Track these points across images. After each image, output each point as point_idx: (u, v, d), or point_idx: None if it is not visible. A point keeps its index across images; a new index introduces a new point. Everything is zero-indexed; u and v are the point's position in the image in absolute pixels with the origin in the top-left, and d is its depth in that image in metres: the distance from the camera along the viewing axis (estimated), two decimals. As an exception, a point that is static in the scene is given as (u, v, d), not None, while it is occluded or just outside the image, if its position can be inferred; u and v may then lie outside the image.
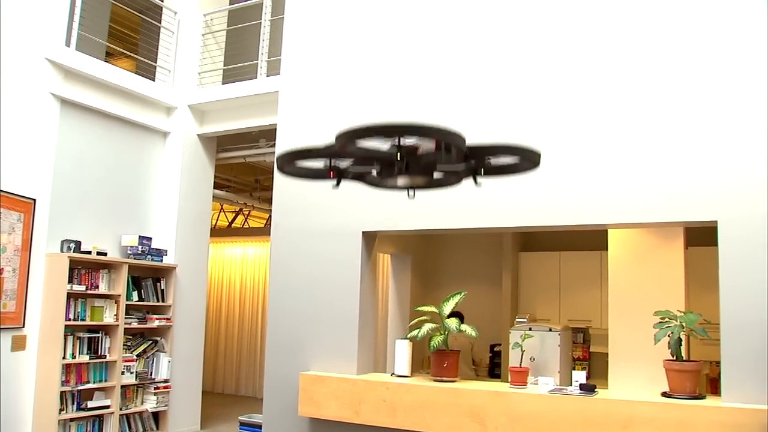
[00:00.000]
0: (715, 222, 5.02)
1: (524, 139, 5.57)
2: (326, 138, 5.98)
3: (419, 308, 6.04)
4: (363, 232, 6.19)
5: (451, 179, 3.12)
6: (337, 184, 2.98)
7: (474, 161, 2.86)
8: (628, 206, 5.29)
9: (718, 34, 5.17)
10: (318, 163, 3.00)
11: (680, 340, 5.13)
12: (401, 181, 2.89)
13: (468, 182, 5.70)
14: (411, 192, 2.96)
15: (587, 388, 5.26)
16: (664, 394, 5.11)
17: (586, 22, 5.65)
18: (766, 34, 4.97)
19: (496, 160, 2.96)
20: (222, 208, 13.09)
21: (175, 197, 8.77)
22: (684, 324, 5.07)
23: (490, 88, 5.93)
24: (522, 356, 5.68)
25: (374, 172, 2.92)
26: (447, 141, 2.61)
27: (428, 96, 6.14)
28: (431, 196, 5.87)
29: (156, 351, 8.40)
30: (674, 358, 5.12)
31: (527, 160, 2.95)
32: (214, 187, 9.59)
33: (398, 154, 2.65)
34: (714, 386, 7.03)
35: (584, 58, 5.60)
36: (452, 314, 5.77)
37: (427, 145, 2.69)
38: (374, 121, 2.54)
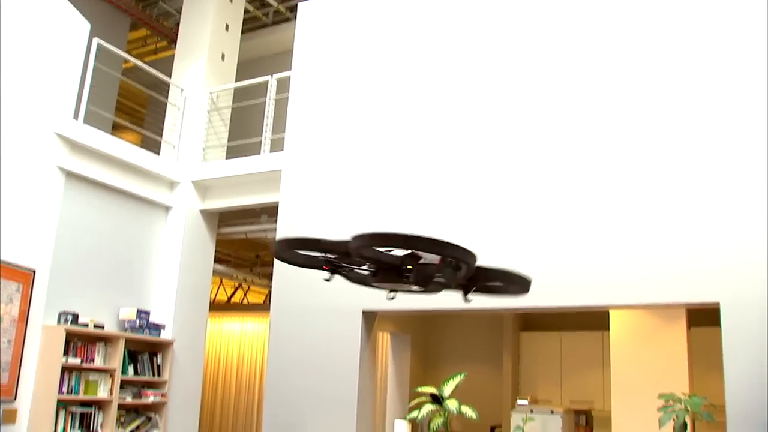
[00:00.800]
0: (718, 303, 4.99)
1: (527, 219, 5.62)
2: (326, 217, 6.04)
3: (419, 389, 5.95)
4: (363, 311, 6.16)
5: (438, 288, 3.06)
6: (329, 278, 2.92)
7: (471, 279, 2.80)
8: (629, 287, 5.27)
9: (715, 103, 5.25)
10: (314, 253, 2.94)
11: (685, 424, 5.03)
12: (395, 285, 2.82)
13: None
14: (392, 293, 2.92)
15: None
16: (670, 481, 4.99)
17: (582, 95, 5.75)
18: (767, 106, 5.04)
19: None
20: (221, 283, 13.05)
21: (175, 271, 8.74)
22: (689, 407, 4.99)
23: (492, 173, 5.98)
24: (524, 439, 5.58)
25: (368, 272, 2.84)
26: (463, 261, 2.62)
27: (431, 183, 6.20)
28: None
29: (150, 427, 8.21)
30: (679, 442, 5.02)
31: (520, 286, 2.92)
32: (215, 262, 9.57)
33: (407, 265, 2.58)
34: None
35: (585, 138, 5.68)
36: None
37: (432, 257, 2.65)
38: (391, 229, 2.51)
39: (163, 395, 8.29)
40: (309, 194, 6.75)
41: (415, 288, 2.74)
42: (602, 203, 5.51)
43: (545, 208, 5.68)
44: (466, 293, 2.73)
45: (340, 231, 6.17)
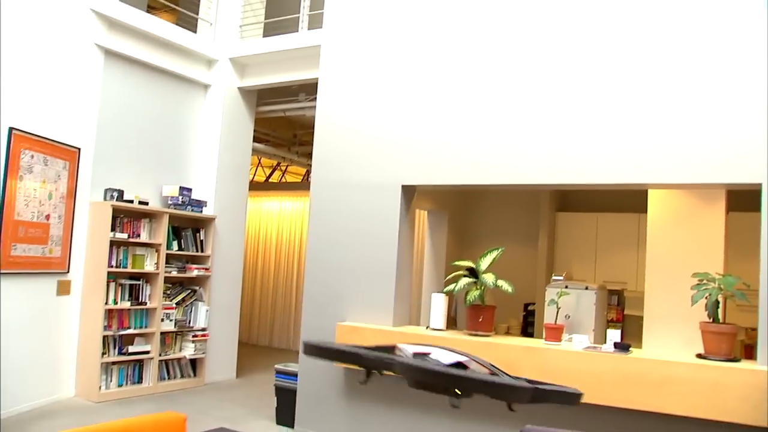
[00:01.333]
0: (760, 185, 4.95)
1: (569, 95, 5.56)
2: (365, 95, 6.00)
3: (456, 262, 6.09)
4: (402, 186, 6.23)
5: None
6: (364, 381, 2.77)
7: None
8: (669, 166, 5.24)
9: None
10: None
11: (718, 302, 5.11)
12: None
13: (505, 137, 5.68)
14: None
15: (622, 347, 5.28)
16: (699, 356, 5.12)
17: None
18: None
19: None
20: (260, 162, 13.20)
21: (215, 149, 8.86)
22: (722, 286, 5.05)
23: (525, 55, 5.87)
24: (557, 313, 5.71)
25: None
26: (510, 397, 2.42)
27: (469, 68, 6.11)
28: (470, 152, 5.91)
29: (194, 300, 8.57)
30: (711, 320, 5.12)
31: (568, 401, 2.71)
32: (254, 141, 9.66)
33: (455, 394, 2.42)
34: (749, 353, 6.99)
35: (623, 16, 5.51)
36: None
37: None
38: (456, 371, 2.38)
39: (206, 269, 8.60)
40: (348, 71, 6.71)
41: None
42: (644, 79, 5.40)
43: (586, 84, 5.59)
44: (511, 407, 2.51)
45: (378, 110, 6.19)
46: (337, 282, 6.47)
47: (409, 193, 6.33)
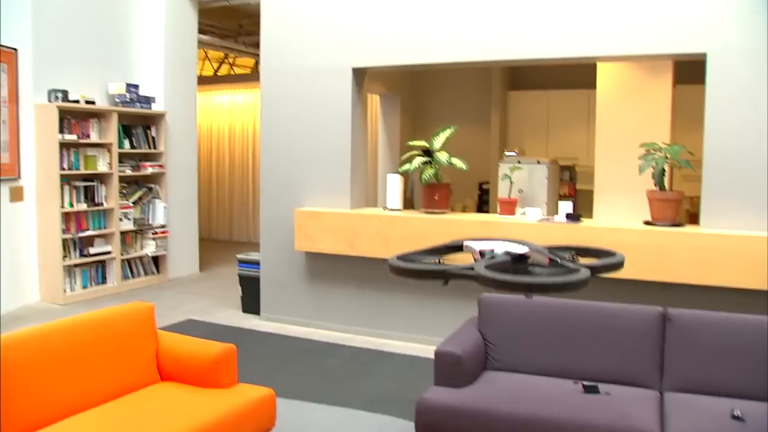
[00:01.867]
0: (704, 55, 5.03)
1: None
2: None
3: (410, 143, 6.15)
4: (353, 69, 6.18)
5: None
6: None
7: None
8: (616, 38, 5.28)
9: None
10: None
11: (664, 170, 5.28)
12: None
13: (455, 15, 5.64)
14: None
15: (573, 217, 5.46)
16: (646, 222, 5.32)
17: None
18: None
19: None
20: (207, 56, 12.89)
21: (160, 43, 8.62)
22: (668, 155, 5.21)
23: None
24: (511, 188, 5.85)
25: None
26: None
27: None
28: (420, 31, 5.86)
29: (151, 198, 8.54)
30: (657, 188, 5.30)
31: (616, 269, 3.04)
32: (198, 33, 9.41)
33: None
34: (693, 220, 7.26)
35: None
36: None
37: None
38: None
39: (160, 166, 8.54)
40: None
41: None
42: (593, -48, 5.37)
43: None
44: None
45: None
46: (292, 169, 6.50)
47: (360, 75, 6.29)
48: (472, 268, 2.72)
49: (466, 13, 5.73)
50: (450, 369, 3.67)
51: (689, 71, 5.99)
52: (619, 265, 3.03)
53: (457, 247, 3.18)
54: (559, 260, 2.93)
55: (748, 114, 4.91)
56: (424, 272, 3.03)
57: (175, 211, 8.80)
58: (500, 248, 2.93)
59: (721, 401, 3.51)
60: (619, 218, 5.82)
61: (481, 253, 2.95)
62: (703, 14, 5.00)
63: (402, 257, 3.08)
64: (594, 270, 2.83)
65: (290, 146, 6.51)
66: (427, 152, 5.90)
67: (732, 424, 3.22)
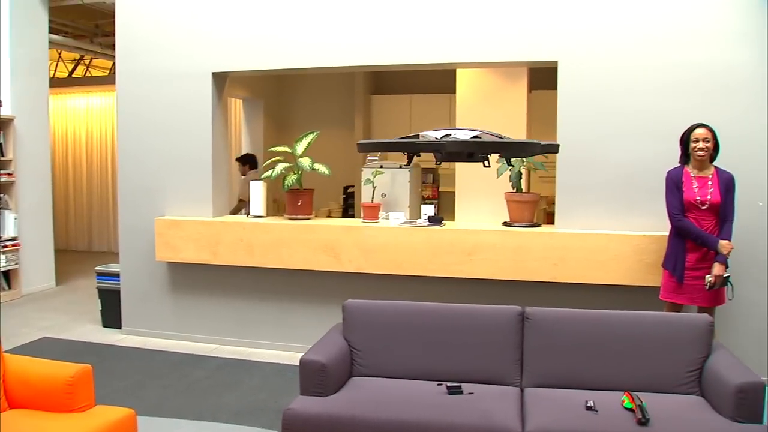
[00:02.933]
0: (556, 63, 5.26)
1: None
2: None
3: (272, 149, 6.06)
4: (213, 74, 6.02)
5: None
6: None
7: None
8: (474, 46, 5.42)
9: None
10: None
11: (520, 173, 5.48)
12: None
13: (317, 20, 5.63)
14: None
15: (435, 220, 5.56)
16: (505, 224, 5.50)
17: None
18: None
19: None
20: (60, 57, 12.24)
21: (5, 43, 8.07)
22: (524, 159, 5.40)
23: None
24: (374, 192, 5.88)
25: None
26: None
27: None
28: (283, 35, 5.80)
29: (0, 208, 8.00)
30: (515, 190, 5.48)
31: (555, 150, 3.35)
32: (50, 32, 8.90)
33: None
34: (549, 220, 7.58)
35: None
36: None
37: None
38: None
39: (9, 174, 7.99)
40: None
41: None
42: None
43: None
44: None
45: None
46: (152, 177, 6.25)
47: (221, 80, 6.14)
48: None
49: (329, 19, 5.72)
50: (315, 378, 3.63)
51: (543, 77, 6.23)
52: (556, 147, 3.35)
53: (416, 136, 3.28)
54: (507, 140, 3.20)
55: (596, 118, 5.17)
56: (395, 143, 3.19)
57: (27, 221, 8.25)
58: (457, 133, 3.15)
59: (576, 393, 3.66)
60: (480, 220, 5.98)
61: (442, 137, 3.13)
62: (555, 24, 5.23)
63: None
64: (545, 145, 3.15)
65: (149, 153, 6.25)
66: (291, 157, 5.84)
67: (586, 415, 3.37)
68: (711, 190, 4.41)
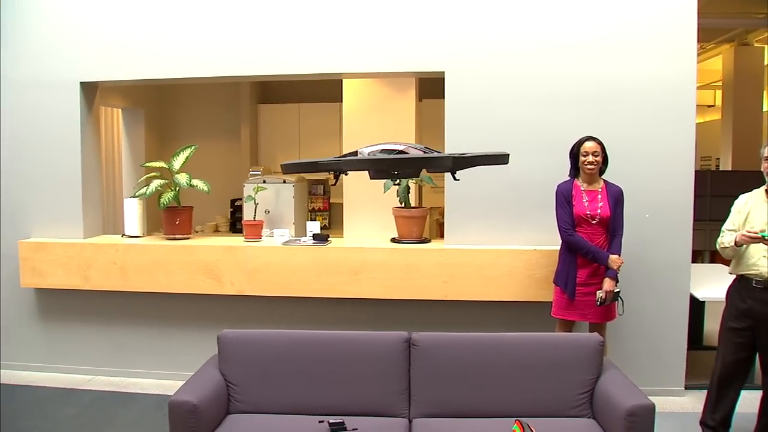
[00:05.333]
0: (443, 73, 5.15)
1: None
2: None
3: (147, 164, 5.69)
4: (81, 83, 5.57)
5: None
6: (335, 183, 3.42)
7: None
8: (361, 55, 5.25)
9: None
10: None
11: (408, 188, 5.33)
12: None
13: (198, 28, 5.34)
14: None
15: (320, 238, 5.34)
16: (394, 240, 5.34)
17: None
18: None
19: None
20: None
21: None
22: (411, 173, 5.24)
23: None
24: (256, 209, 5.61)
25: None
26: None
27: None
28: (160, 44, 5.44)
29: None
30: (402, 205, 5.33)
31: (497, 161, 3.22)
32: None
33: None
34: (443, 231, 7.48)
35: None
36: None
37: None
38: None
39: None
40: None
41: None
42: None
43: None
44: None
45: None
46: (16, 194, 5.73)
47: (91, 90, 5.70)
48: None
49: (211, 25, 5.40)
50: (187, 420, 3.33)
51: (432, 86, 6.12)
52: (499, 157, 3.22)
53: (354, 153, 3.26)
54: (432, 152, 3.19)
55: (483, 128, 5.09)
56: (320, 164, 3.14)
57: None
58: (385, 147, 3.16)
59: (466, 423, 3.56)
60: (369, 235, 5.80)
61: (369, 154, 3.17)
62: (441, 35, 5.13)
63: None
64: (461, 157, 3.18)
65: (11, 169, 5.71)
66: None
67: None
68: (601, 204, 4.38)
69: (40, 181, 5.68)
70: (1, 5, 5.68)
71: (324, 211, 8.64)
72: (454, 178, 3.22)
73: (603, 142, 4.41)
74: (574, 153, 4.46)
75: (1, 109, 5.71)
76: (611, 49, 4.97)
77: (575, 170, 4.49)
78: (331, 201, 8.72)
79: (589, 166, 4.37)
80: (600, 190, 4.42)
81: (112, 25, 5.53)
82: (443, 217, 7.48)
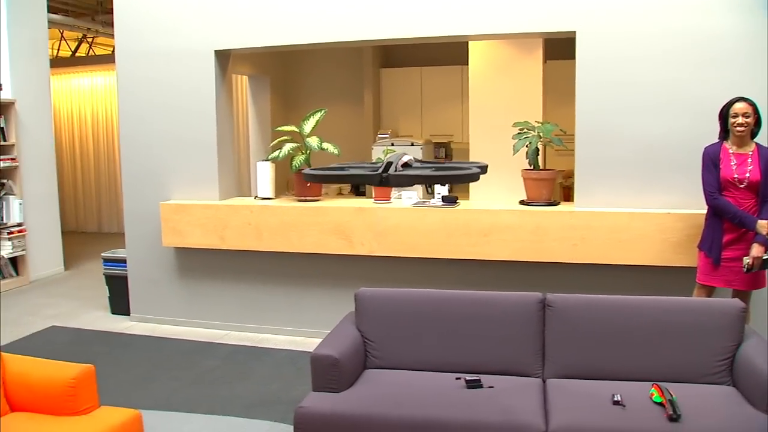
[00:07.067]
0: (574, 33, 5.01)
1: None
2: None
3: (279, 128, 5.86)
4: (215, 51, 5.79)
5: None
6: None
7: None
8: (487, 17, 5.17)
9: None
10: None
11: (537, 149, 5.25)
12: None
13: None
14: None
15: (449, 200, 5.36)
16: (522, 202, 5.30)
17: None
18: None
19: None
20: (62, 36, 12.01)
21: (4, 26, 7.84)
22: (541, 134, 5.18)
23: None
24: (386, 171, 5.67)
25: None
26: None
27: None
28: (287, 10, 5.56)
29: (4, 194, 7.82)
30: (531, 167, 5.27)
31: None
32: (49, 11, 8.67)
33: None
34: (567, 194, 7.38)
35: None
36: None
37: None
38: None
39: (13, 159, 7.82)
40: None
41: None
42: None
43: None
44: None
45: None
46: (157, 159, 6.05)
47: (224, 58, 5.92)
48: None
49: (334, -9, 5.48)
50: (328, 373, 3.46)
51: (558, 47, 5.99)
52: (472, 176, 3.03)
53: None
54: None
55: (616, 92, 4.93)
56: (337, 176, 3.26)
57: (34, 206, 8.09)
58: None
59: (601, 385, 3.49)
60: (496, 197, 5.76)
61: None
62: (573, -7, 4.98)
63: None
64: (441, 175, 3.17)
65: (152, 135, 6.04)
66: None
67: (613, 410, 3.20)
68: (750, 167, 4.16)
69: (178, 146, 5.96)
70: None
71: (445, 174, 8.65)
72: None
73: (756, 103, 4.19)
74: (724, 114, 4.25)
75: (143, 78, 6.03)
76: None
77: (725, 132, 4.29)
78: (452, 164, 8.71)
79: (738, 128, 4.16)
80: (751, 153, 4.19)
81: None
82: (566, 180, 7.44)
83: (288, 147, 5.61)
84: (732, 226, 4.20)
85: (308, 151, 5.58)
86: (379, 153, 5.75)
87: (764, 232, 4.08)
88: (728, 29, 4.70)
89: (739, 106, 4.17)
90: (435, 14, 5.28)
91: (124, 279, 6.38)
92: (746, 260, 4.12)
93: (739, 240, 4.21)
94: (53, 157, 8.59)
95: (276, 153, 5.64)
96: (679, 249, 4.70)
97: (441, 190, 5.50)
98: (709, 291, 4.37)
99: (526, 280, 5.13)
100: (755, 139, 4.24)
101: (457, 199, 5.44)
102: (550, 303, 3.76)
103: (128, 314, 6.38)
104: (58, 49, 12.01)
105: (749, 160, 4.18)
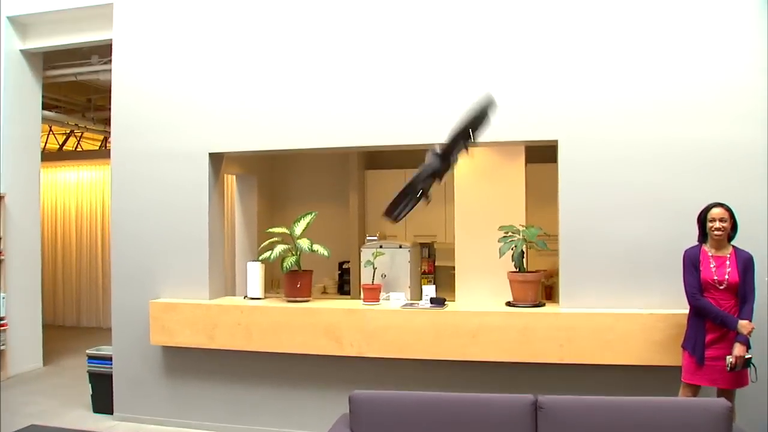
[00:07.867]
0: (556, 141, 5.26)
1: (365, 62, 5.58)
2: (165, 55, 5.69)
3: (270, 230, 5.98)
4: (210, 154, 5.98)
5: None
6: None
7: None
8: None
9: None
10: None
11: (523, 252, 5.41)
12: None
13: (311, 101, 5.63)
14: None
15: (437, 302, 5.46)
16: (509, 304, 5.41)
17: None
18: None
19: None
20: (51, 130, 12.22)
21: (-1, 120, 8.02)
22: (526, 238, 5.35)
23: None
24: (374, 273, 5.80)
25: None
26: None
27: (268, 24, 5.95)
28: (278, 116, 5.79)
29: (-13, 288, 7.82)
30: (517, 269, 5.41)
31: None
32: (43, 108, 8.88)
33: None
34: (549, 293, 7.52)
35: (431, -25, 5.58)
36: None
37: None
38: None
39: (-2, 253, 7.85)
40: (145, 32, 6.28)
41: None
42: (444, 43, 5.53)
43: (384, 48, 5.65)
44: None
45: (180, 73, 5.90)
46: (147, 257, 6.14)
47: (217, 160, 6.10)
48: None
49: (324, 100, 5.73)
50: (324, 476, 3.48)
51: (539, 151, 6.23)
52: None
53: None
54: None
55: (598, 193, 5.17)
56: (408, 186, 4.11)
57: (16, 300, 8.04)
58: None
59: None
60: (481, 298, 5.87)
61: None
62: (554, 104, 5.25)
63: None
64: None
65: (144, 233, 6.15)
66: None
67: None
68: (729, 269, 4.36)
69: (170, 244, 6.06)
70: (138, 88, 6.16)
71: (429, 274, 8.75)
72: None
73: (732, 209, 4.41)
74: (702, 219, 4.48)
75: (137, 175, 6.17)
76: (731, 111, 4.98)
77: (703, 236, 4.50)
78: (436, 264, 8.83)
79: (716, 232, 4.38)
80: (728, 255, 4.40)
81: (235, 100, 5.95)
82: (548, 280, 7.58)
83: (279, 248, 5.72)
84: (714, 325, 4.35)
85: (299, 253, 5.69)
86: (368, 255, 5.86)
87: (745, 332, 4.23)
88: (705, 137, 4.99)
89: (715, 212, 4.40)
90: (417, 123, 5.53)
91: (108, 377, 6.32)
92: (729, 359, 4.25)
93: (721, 339, 4.34)
94: (38, 251, 8.61)
95: (268, 254, 5.74)
96: (662, 349, 4.81)
97: (428, 291, 5.60)
98: (695, 390, 4.47)
99: (514, 380, 5.20)
100: (732, 242, 4.45)
101: (445, 300, 5.54)
102: (542, 405, 3.82)
103: (111, 413, 6.30)
104: (46, 143, 12.19)
105: (727, 262, 4.38)
